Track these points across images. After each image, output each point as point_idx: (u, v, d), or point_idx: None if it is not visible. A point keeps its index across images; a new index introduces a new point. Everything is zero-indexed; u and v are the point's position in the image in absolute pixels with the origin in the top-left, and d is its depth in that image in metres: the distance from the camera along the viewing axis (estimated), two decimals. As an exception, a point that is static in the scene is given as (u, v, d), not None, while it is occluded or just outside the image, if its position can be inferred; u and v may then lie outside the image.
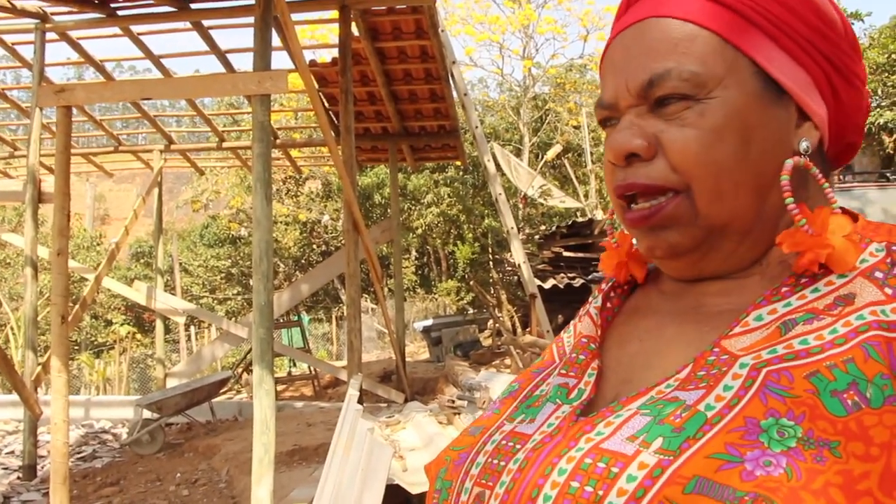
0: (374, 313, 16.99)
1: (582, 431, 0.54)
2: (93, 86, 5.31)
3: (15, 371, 4.95)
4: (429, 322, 12.31)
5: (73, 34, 6.69)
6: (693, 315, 0.61)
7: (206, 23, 6.41)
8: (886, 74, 12.33)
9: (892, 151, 12.70)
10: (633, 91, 0.59)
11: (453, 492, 0.59)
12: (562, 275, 10.19)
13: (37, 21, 6.25)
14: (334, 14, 6.42)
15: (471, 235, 16.03)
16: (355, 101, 7.31)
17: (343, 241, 7.84)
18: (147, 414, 7.03)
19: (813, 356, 0.49)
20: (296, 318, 12.58)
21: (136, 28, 6.50)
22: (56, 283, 4.15)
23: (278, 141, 9.74)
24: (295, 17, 5.44)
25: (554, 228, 11.51)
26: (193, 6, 5.83)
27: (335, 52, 6.93)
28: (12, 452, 7.05)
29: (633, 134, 0.58)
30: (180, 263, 17.58)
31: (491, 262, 15.29)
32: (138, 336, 18.03)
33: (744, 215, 0.58)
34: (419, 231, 16.35)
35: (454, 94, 8.27)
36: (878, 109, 12.27)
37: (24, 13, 6.08)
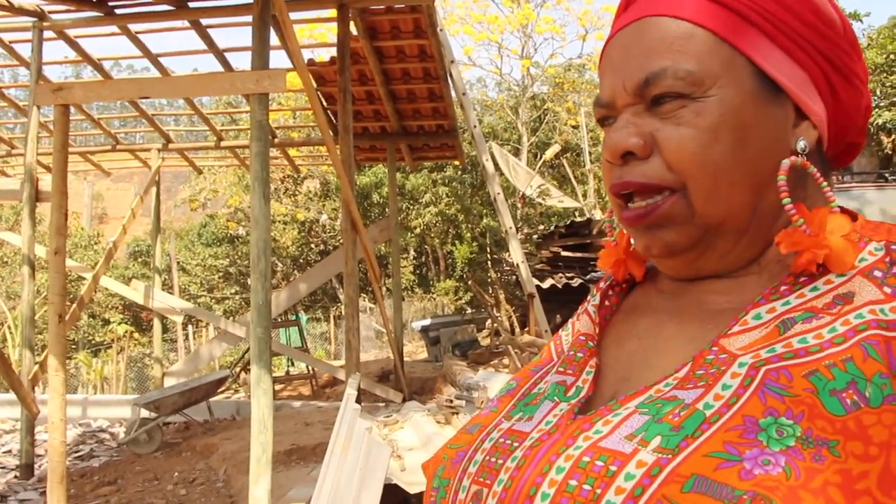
0: (373, 313, 16.98)
1: (580, 430, 0.54)
2: (90, 84, 5.30)
3: (12, 370, 4.95)
4: (427, 321, 12.29)
5: (71, 32, 6.67)
6: (691, 314, 0.61)
7: (204, 21, 6.41)
8: (885, 75, 12.33)
9: (890, 152, 12.71)
10: (629, 90, 0.59)
11: (451, 490, 0.59)
12: (560, 274, 10.19)
13: (34, 19, 6.24)
14: (332, 13, 6.41)
15: (469, 235, 15.99)
16: (353, 101, 7.29)
17: (341, 241, 7.83)
18: (145, 413, 7.02)
19: (812, 355, 0.49)
20: (294, 317, 12.59)
21: (133, 27, 6.49)
22: (53, 281, 4.14)
23: (276, 140, 9.73)
24: (293, 15, 5.44)
25: (552, 228, 11.49)
26: (191, 5, 5.82)
27: (333, 51, 6.92)
28: (9, 451, 7.05)
29: (629, 133, 0.58)
30: (178, 262, 17.55)
31: (489, 262, 15.26)
32: (136, 335, 18.02)
33: (740, 214, 0.58)
34: (417, 230, 16.32)
35: (453, 93, 8.27)
36: (876, 110, 12.27)
37: (21, 11, 6.07)
